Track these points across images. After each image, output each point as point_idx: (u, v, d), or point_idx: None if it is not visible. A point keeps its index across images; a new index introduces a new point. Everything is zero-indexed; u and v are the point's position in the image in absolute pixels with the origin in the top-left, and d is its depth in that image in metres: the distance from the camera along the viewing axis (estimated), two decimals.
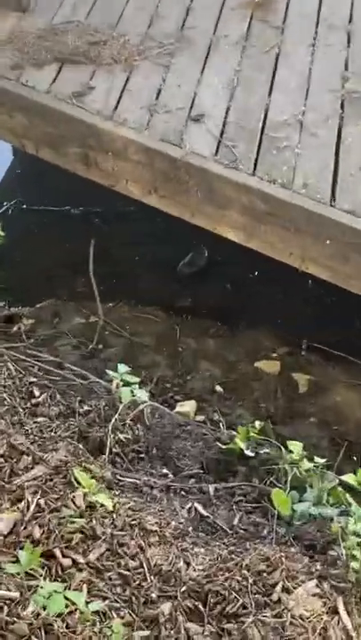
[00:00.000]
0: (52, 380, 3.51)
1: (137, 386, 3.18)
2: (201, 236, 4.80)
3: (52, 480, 2.65)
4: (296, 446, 3.06)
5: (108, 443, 2.99)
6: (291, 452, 2.99)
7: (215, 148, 4.30)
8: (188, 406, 3.95)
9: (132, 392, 3.11)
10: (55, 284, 5.13)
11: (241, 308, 5.04)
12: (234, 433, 3.33)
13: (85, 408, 3.28)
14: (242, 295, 5.13)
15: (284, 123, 4.42)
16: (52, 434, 2.99)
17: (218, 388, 4.25)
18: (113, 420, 3.10)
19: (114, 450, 3.03)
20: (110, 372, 3.24)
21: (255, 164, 4.20)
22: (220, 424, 3.59)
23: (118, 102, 4.60)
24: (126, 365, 3.29)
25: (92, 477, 2.69)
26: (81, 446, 2.91)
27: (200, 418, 3.90)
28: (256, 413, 4.05)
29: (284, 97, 4.60)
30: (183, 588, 2.36)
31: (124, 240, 5.49)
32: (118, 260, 5.36)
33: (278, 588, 2.40)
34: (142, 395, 3.13)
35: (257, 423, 3.29)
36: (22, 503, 2.53)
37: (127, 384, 3.20)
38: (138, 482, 2.88)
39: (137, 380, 3.22)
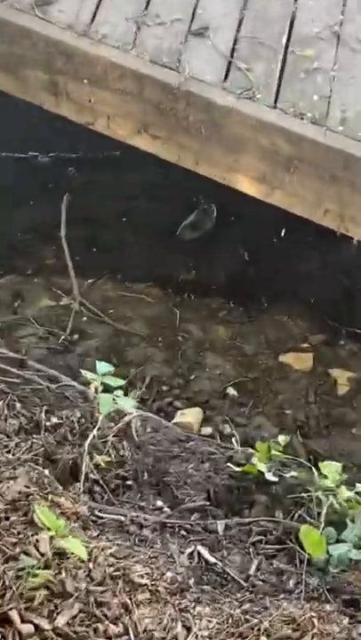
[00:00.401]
0: (10, 383, 3.45)
1: (121, 391, 3.12)
2: (208, 188, 4.73)
3: (7, 519, 2.55)
4: (332, 468, 3.01)
5: (84, 467, 2.92)
6: (325, 476, 2.94)
7: (224, 72, 4.22)
8: (190, 415, 3.91)
9: (114, 400, 3.05)
10: (16, 254, 5.07)
11: (261, 282, 4.98)
12: (251, 451, 3.28)
13: (54, 421, 3.22)
14: (262, 266, 5.06)
15: (315, 36, 4.34)
16: (9, 456, 2.90)
17: (230, 390, 4.22)
18: (90, 437, 3.04)
19: (91, 476, 2.96)
20: (86, 373, 3.18)
21: (277, 93, 4.12)
22: (233, 439, 3.53)
23: (95, 12, 4.49)
24: (109, 363, 3.24)
25: (62, 514, 2.63)
26: (47, 472, 2.82)
27: (207, 430, 3.87)
28: (281, 423, 4.01)
29: (315, 2, 4.50)
30: None
31: (107, 195, 5.42)
32: (100, 221, 5.30)
33: None
34: (128, 403, 3.07)
35: (281, 438, 3.23)
36: None
37: (109, 389, 3.15)
38: (123, 519, 2.80)
39: (121, 382, 3.16)
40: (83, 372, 3.25)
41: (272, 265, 5.06)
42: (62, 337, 4.34)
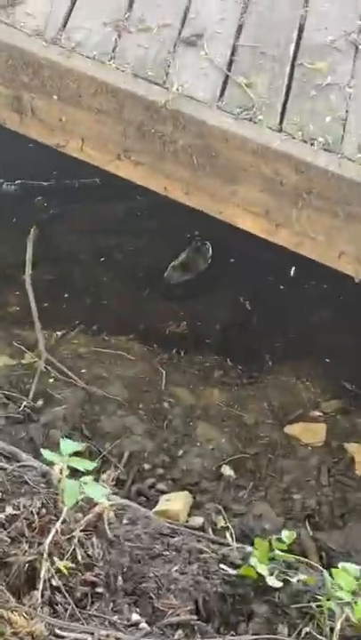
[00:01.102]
0: None
1: (91, 477, 3.00)
2: (203, 221, 4.64)
3: None
4: (348, 574, 2.88)
5: (43, 572, 2.76)
6: (340, 587, 2.81)
7: (220, 88, 4.15)
8: (177, 502, 3.75)
9: (81, 488, 2.92)
10: None
11: (264, 336, 4.87)
12: (249, 549, 3.15)
13: (9, 511, 3.07)
14: (266, 316, 4.95)
15: (328, 46, 4.28)
16: None
17: (226, 469, 4.05)
18: (52, 534, 2.91)
19: (52, 582, 2.80)
20: (47, 454, 3.05)
21: (282, 114, 4.05)
22: (228, 533, 3.39)
23: (69, 16, 4.44)
24: (79, 435, 3.14)
25: (14, 634, 2.51)
26: None
27: (197, 521, 3.71)
28: (287, 511, 3.85)
29: (330, 4, 4.44)
30: None
31: (82, 230, 5.35)
32: (72, 260, 5.20)
33: None
34: (98, 493, 2.94)
35: (285, 534, 3.10)
36: None
37: (74, 473, 3.03)
38: (89, 638, 2.64)
39: (91, 466, 3.03)
40: (44, 452, 3.11)
41: (278, 315, 4.95)
42: (24, 403, 4.17)
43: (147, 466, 4.03)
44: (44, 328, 4.67)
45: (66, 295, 5.00)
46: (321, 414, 4.40)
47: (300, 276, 4.97)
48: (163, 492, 3.89)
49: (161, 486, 3.93)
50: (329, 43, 4.30)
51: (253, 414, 4.33)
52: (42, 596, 2.79)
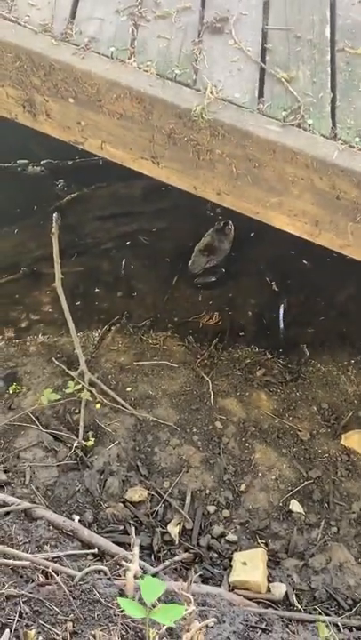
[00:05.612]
0: (17, 573, 2.14)
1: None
2: None
3: None
4: None
5: None
6: None
7: (257, 85, 2.72)
8: (255, 569, 2.53)
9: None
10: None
11: (296, 320, 3.59)
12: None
13: None
14: (294, 296, 3.65)
15: None
16: None
17: (294, 505, 2.83)
18: None
19: None
20: (127, 606, 1.85)
21: (333, 114, 2.65)
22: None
23: (76, 5, 2.95)
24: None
25: None
26: None
27: (280, 590, 2.52)
28: None
29: None
30: None
31: (102, 213, 3.97)
32: (97, 249, 3.85)
33: None
34: None
35: None
36: None
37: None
38: None
39: (180, 613, 1.85)
40: (122, 602, 1.88)
41: (305, 295, 3.66)
42: (75, 443, 2.87)
43: (211, 508, 2.80)
44: (79, 329, 3.39)
45: (96, 290, 3.66)
46: None
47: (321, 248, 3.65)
48: (232, 544, 2.69)
49: (231, 536, 2.71)
50: None
51: (306, 422, 3.06)
52: None
